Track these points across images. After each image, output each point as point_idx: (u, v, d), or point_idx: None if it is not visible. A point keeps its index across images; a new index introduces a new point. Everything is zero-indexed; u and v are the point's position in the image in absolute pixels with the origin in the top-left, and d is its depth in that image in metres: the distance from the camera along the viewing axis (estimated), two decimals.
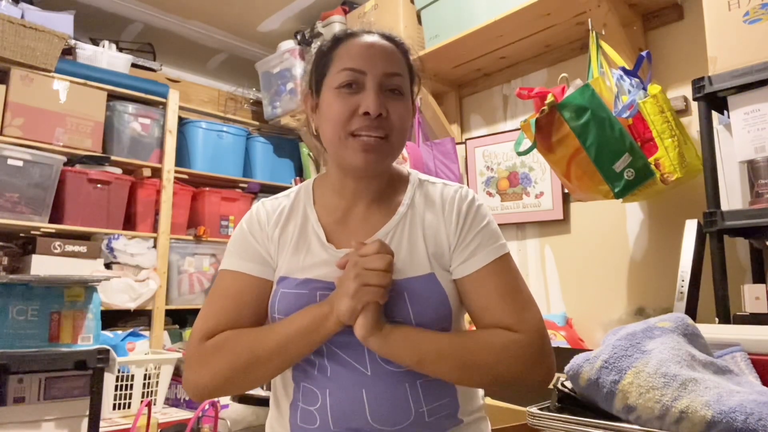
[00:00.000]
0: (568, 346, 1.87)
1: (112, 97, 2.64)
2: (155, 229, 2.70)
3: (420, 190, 0.97)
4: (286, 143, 3.29)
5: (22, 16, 2.37)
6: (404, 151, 2.27)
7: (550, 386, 1.01)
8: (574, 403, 0.97)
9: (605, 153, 1.51)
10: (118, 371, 2.15)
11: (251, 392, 1.67)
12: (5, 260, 2.33)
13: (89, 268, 2.38)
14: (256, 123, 3.27)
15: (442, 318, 0.87)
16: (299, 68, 2.86)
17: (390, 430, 0.83)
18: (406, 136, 0.92)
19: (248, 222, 0.97)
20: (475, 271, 0.88)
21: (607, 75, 1.63)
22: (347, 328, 0.83)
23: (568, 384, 0.98)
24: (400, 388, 0.84)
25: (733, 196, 1.40)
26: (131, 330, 2.35)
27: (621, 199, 1.62)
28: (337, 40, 0.93)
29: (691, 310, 1.45)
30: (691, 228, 1.52)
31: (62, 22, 2.51)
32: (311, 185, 1.00)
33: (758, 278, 1.51)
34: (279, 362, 0.84)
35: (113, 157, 2.58)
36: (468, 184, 2.39)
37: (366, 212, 0.94)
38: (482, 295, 0.88)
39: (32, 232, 2.37)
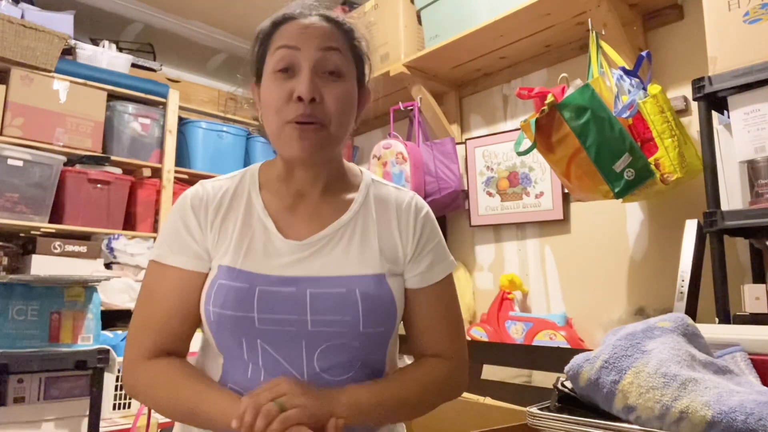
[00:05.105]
0: (568, 346, 1.87)
1: (112, 97, 2.64)
2: (155, 229, 2.70)
3: (373, 189, 0.95)
4: None
5: (22, 16, 2.37)
6: (404, 151, 2.26)
7: (550, 386, 1.01)
8: (574, 403, 0.96)
9: (605, 153, 1.51)
10: (118, 371, 2.15)
11: None
12: (5, 260, 2.33)
13: (89, 268, 2.38)
14: (256, 123, 3.24)
15: (389, 320, 0.86)
16: None
17: None
18: (347, 121, 0.88)
19: (182, 207, 0.89)
20: (430, 285, 0.92)
21: (607, 75, 1.63)
22: (277, 323, 0.80)
23: (568, 384, 0.98)
24: None
25: (733, 196, 1.39)
26: None
27: (621, 199, 1.61)
28: (275, 24, 0.90)
29: (691, 310, 1.45)
30: (691, 228, 1.52)
31: (62, 22, 2.51)
32: (257, 171, 0.96)
33: (758, 278, 1.51)
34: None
35: (113, 157, 2.58)
36: (468, 184, 2.39)
37: (317, 204, 0.91)
38: (428, 314, 0.92)
39: (32, 232, 2.37)
